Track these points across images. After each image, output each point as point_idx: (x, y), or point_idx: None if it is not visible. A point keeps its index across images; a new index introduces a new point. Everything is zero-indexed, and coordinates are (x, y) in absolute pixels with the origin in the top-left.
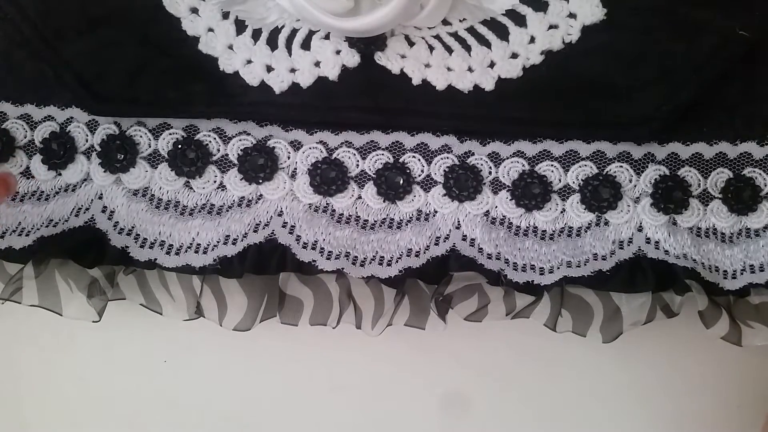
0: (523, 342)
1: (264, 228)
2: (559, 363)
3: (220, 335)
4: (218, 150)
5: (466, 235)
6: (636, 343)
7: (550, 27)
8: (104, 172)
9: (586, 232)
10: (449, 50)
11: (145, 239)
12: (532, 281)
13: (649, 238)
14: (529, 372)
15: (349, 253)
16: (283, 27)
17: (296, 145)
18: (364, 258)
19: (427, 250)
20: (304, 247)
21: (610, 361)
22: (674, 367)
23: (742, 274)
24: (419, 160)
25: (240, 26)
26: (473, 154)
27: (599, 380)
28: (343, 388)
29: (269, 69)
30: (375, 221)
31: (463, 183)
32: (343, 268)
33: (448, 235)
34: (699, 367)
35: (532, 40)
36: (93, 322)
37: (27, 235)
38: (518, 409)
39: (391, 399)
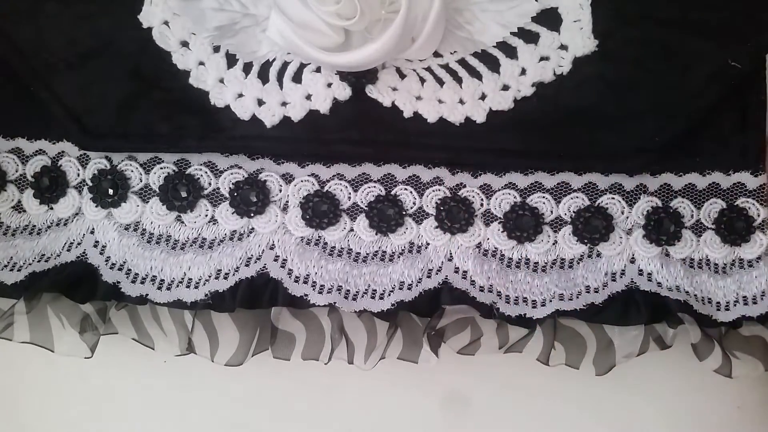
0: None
1: (256, 262)
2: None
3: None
4: (209, 184)
5: (458, 268)
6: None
7: (541, 59)
8: (96, 206)
9: (578, 263)
10: (440, 82)
11: (136, 274)
12: (525, 314)
13: (641, 270)
14: (529, 371)
15: (341, 286)
16: (274, 60)
17: (288, 178)
18: (357, 291)
19: (419, 282)
20: (296, 281)
21: None
22: None
23: (735, 305)
24: (411, 192)
25: (231, 60)
26: (465, 186)
27: (599, 379)
28: (341, 388)
29: (260, 102)
30: (367, 254)
31: (455, 215)
32: (335, 303)
33: (440, 267)
34: None
35: (523, 72)
36: (85, 358)
37: (19, 270)
38: (518, 409)
39: (391, 399)
